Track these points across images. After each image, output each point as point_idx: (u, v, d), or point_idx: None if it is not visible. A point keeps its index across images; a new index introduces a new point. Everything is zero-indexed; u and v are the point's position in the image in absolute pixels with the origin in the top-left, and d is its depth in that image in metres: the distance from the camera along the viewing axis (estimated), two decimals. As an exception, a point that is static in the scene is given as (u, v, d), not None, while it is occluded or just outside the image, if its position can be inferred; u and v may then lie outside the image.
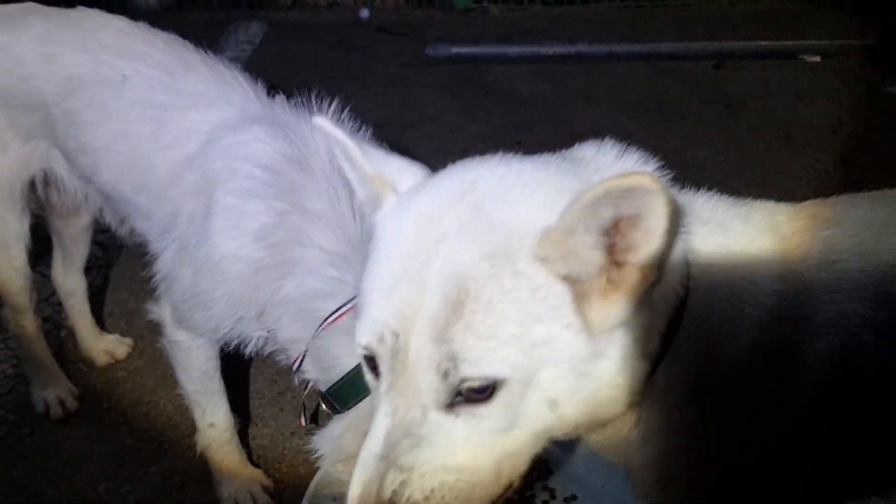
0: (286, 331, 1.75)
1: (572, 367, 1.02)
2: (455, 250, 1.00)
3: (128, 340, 2.63)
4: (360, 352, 1.07)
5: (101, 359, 2.57)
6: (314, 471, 2.03)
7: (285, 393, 2.46)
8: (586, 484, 2.06)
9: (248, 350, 1.86)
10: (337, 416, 1.70)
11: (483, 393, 1.00)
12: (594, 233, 0.97)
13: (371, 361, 1.07)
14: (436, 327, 0.99)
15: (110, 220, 2.16)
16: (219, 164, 1.75)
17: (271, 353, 1.86)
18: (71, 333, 2.66)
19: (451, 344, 0.98)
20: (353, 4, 6.50)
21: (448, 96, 4.67)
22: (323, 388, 1.73)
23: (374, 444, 1.04)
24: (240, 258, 1.71)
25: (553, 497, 2.05)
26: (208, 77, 1.88)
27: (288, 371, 2.47)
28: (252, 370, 2.52)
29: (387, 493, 1.02)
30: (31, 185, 2.13)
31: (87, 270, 2.56)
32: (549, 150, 1.17)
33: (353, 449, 1.61)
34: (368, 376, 1.11)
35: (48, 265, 2.94)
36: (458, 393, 1.00)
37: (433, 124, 4.29)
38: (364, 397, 1.64)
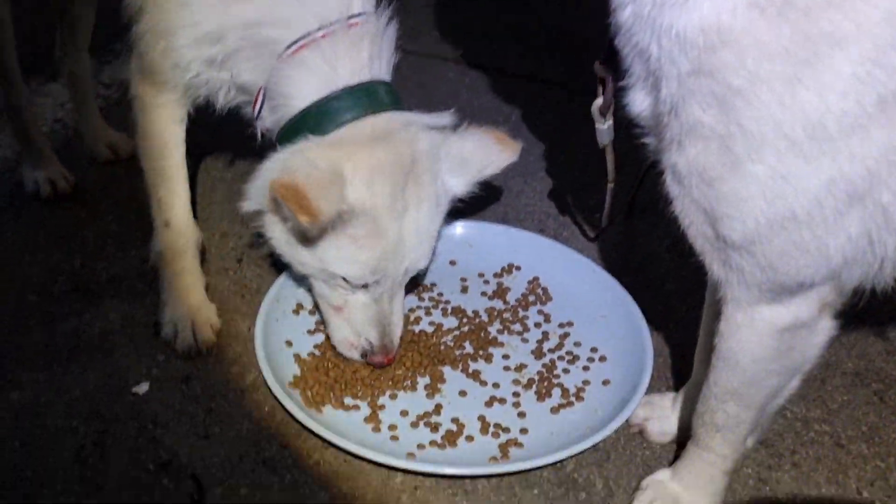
0: (246, 69, 1.60)
1: None
2: None
3: (133, 142, 2.52)
4: None
5: (102, 153, 2.45)
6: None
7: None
8: (586, 312, 1.88)
9: (218, 104, 1.70)
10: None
11: None
12: None
13: None
14: None
15: None
16: None
17: (236, 106, 1.71)
18: (78, 133, 2.58)
19: None
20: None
21: None
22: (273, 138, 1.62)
23: None
24: None
25: (548, 321, 1.87)
26: None
27: None
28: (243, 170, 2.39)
29: None
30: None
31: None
32: None
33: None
34: None
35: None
36: None
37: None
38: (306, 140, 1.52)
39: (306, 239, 1.56)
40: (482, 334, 1.81)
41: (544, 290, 1.96)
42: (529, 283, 1.97)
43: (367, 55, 1.55)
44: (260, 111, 1.62)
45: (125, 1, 1.67)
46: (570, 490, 1.52)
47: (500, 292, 1.95)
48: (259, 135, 1.69)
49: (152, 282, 1.99)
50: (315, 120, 1.52)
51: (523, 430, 1.59)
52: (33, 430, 1.60)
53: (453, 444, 1.55)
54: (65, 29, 2.32)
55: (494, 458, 1.51)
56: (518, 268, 2.01)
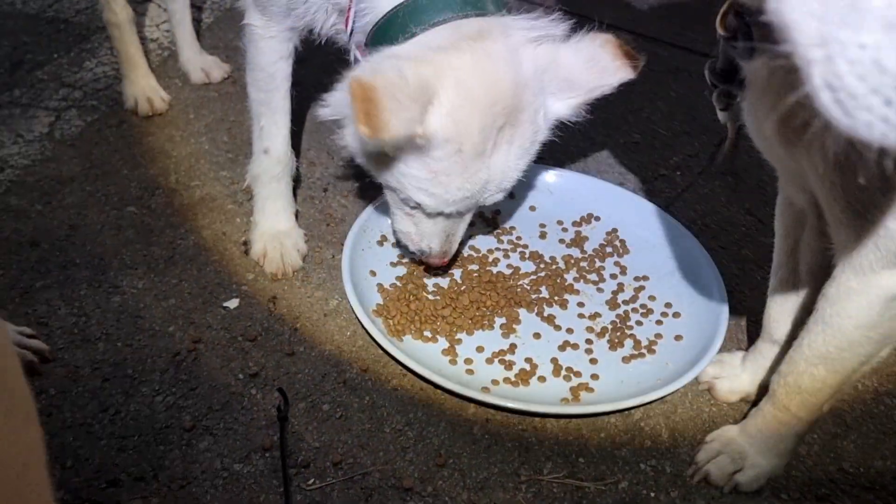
0: None
1: None
2: None
3: (226, 66, 2.59)
4: None
5: (196, 75, 2.54)
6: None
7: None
8: (663, 268, 1.90)
9: (317, 30, 1.63)
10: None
11: None
12: None
13: None
14: None
15: None
16: None
17: (334, 39, 1.64)
18: (173, 54, 2.66)
19: None
20: None
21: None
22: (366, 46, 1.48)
23: None
24: None
25: (623, 273, 1.90)
26: None
27: None
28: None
29: None
30: None
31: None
32: None
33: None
34: None
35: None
36: None
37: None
38: (396, 44, 1.37)
39: (381, 154, 1.45)
40: (558, 280, 1.85)
41: (622, 242, 1.97)
42: (608, 234, 1.99)
43: None
44: (353, 28, 1.50)
45: None
46: (635, 437, 1.57)
47: (578, 241, 1.97)
48: (353, 59, 1.59)
49: (242, 203, 2.08)
50: (402, 21, 1.37)
51: (594, 376, 1.63)
52: (133, 331, 1.71)
53: (526, 382, 1.60)
54: None
55: (566, 400, 1.57)
56: (597, 218, 2.03)
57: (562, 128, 1.68)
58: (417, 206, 1.54)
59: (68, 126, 2.34)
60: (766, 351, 1.60)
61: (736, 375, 1.65)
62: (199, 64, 2.54)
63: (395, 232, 1.72)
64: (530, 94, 1.41)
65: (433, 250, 1.65)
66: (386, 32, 1.41)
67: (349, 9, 1.49)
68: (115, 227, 1.99)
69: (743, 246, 2.09)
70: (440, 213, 1.55)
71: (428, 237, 1.63)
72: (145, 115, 2.37)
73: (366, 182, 2.22)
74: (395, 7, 1.40)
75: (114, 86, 2.50)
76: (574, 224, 2.02)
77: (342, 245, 1.89)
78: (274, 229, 1.89)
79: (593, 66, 1.45)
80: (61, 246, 1.92)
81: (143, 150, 2.27)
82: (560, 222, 2.03)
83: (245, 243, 1.95)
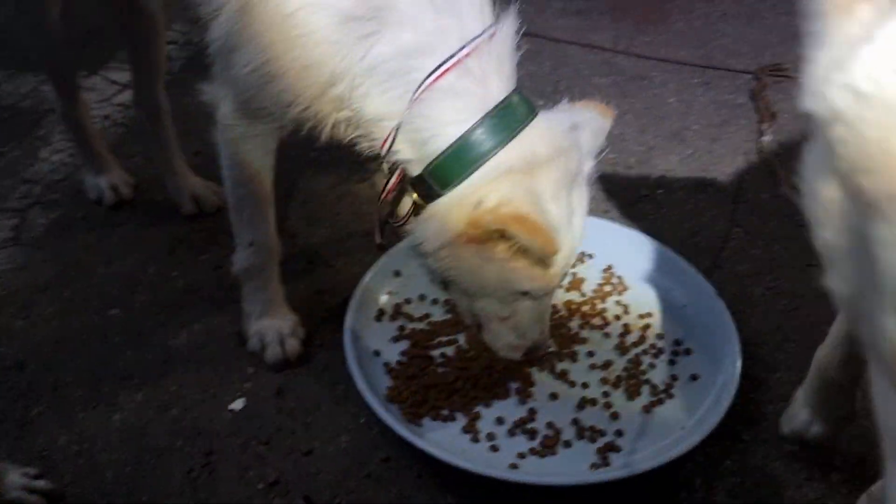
0: (374, 104, 1.46)
1: None
2: None
3: (221, 191, 2.05)
4: None
5: (187, 206, 2.24)
6: (371, 263, 1.92)
7: (344, 197, 2.32)
8: (664, 302, 1.89)
9: (322, 136, 1.56)
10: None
11: None
12: None
13: None
14: None
15: None
16: None
17: (352, 139, 1.56)
18: (129, 130, 2.58)
19: None
20: None
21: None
22: (418, 170, 1.48)
23: None
24: (321, 6, 1.40)
25: (627, 313, 1.89)
26: None
27: (345, 171, 2.38)
28: (309, 173, 2.39)
29: None
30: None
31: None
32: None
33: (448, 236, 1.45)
34: None
35: (110, 67, 2.89)
36: None
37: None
38: (470, 174, 1.43)
39: (492, 264, 1.50)
40: (563, 331, 1.83)
41: (619, 279, 1.96)
42: (604, 271, 1.97)
43: (509, 66, 1.47)
44: (391, 147, 1.48)
45: (212, 34, 1.54)
46: (671, 490, 1.56)
47: (576, 283, 1.95)
48: (386, 171, 1.56)
49: (229, 289, 2.02)
50: (480, 144, 1.43)
51: (618, 432, 1.62)
52: (140, 452, 1.65)
53: (552, 450, 1.58)
54: (135, 62, 2.20)
55: (595, 465, 1.55)
56: (591, 255, 2.01)
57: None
58: (525, 294, 1.56)
59: (33, 227, 2.25)
60: None
61: None
62: (190, 192, 2.27)
63: (497, 350, 1.67)
64: (583, 163, 1.55)
65: (545, 335, 1.65)
66: (460, 158, 1.44)
67: (388, 135, 1.48)
68: (102, 335, 1.92)
69: (737, 262, 2.10)
70: (545, 293, 1.59)
71: (529, 329, 1.61)
72: (112, 204, 2.28)
73: (348, 247, 2.19)
74: (464, 134, 1.43)
75: (73, 175, 2.41)
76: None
77: (338, 320, 1.84)
78: (268, 319, 1.84)
79: (595, 130, 1.59)
80: (49, 364, 1.85)
81: (116, 243, 2.19)
82: (554, 265, 2.00)
83: (240, 334, 1.89)
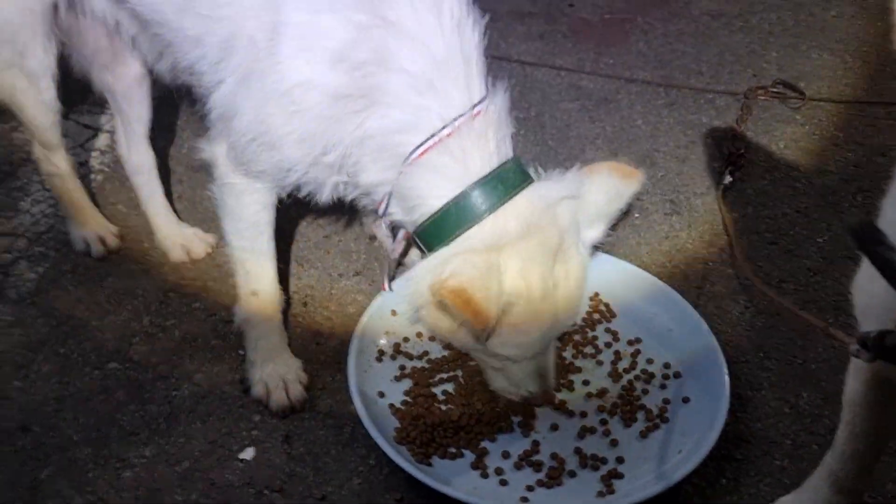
0: (368, 172, 1.58)
1: None
2: None
3: (209, 238, 2.31)
4: None
5: (175, 253, 2.27)
6: (363, 309, 1.97)
7: (331, 237, 2.36)
8: (651, 327, 1.97)
9: (323, 198, 1.68)
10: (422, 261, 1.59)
11: None
12: None
13: None
14: None
15: (146, 52, 1.97)
16: None
17: (354, 198, 1.70)
18: (109, 177, 2.58)
19: None
20: None
21: None
22: (412, 230, 1.62)
23: None
24: (315, 85, 1.50)
25: (616, 340, 1.97)
26: None
27: (334, 214, 2.43)
28: (295, 214, 2.42)
29: None
30: (55, 8, 1.93)
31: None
32: None
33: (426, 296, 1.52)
34: None
35: (82, 112, 2.88)
36: None
37: None
38: (453, 239, 1.53)
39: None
40: (559, 361, 1.90)
41: (606, 305, 2.04)
42: (592, 299, 2.05)
43: (493, 143, 1.55)
44: (386, 209, 1.63)
45: (213, 103, 1.63)
46: (670, 510, 1.65)
47: (565, 312, 2.03)
48: (383, 228, 1.71)
49: (226, 336, 2.05)
50: (455, 217, 1.53)
51: (619, 459, 1.69)
52: (157, 509, 1.68)
53: (559, 481, 1.65)
54: (119, 116, 2.23)
55: (601, 494, 1.62)
56: (577, 284, 2.09)
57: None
58: (507, 359, 1.65)
59: (21, 282, 2.24)
60: None
61: None
62: (179, 240, 2.29)
63: (495, 390, 1.77)
64: (571, 235, 1.60)
65: (534, 392, 1.72)
66: (440, 226, 1.56)
67: (382, 199, 1.61)
68: (104, 391, 1.93)
69: (714, 282, 2.20)
70: (527, 358, 1.66)
71: (524, 383, 1.70)
72: (99, 255, 2.29)
73: (343, 286, 2.23)
74: (445, 205, 1.54)
75: (57, 226, 2.41)
76: (556, 295, 2.08)
77: (338, 363, 1.89)
78: (272, 365, 1.88)
79: (608, 192, 1.65)
80: (53, 424, 1.86)
81: (107, 295, 2.20)
82: (542, 295, 2.08)
83: (242, 381, 1.93)
